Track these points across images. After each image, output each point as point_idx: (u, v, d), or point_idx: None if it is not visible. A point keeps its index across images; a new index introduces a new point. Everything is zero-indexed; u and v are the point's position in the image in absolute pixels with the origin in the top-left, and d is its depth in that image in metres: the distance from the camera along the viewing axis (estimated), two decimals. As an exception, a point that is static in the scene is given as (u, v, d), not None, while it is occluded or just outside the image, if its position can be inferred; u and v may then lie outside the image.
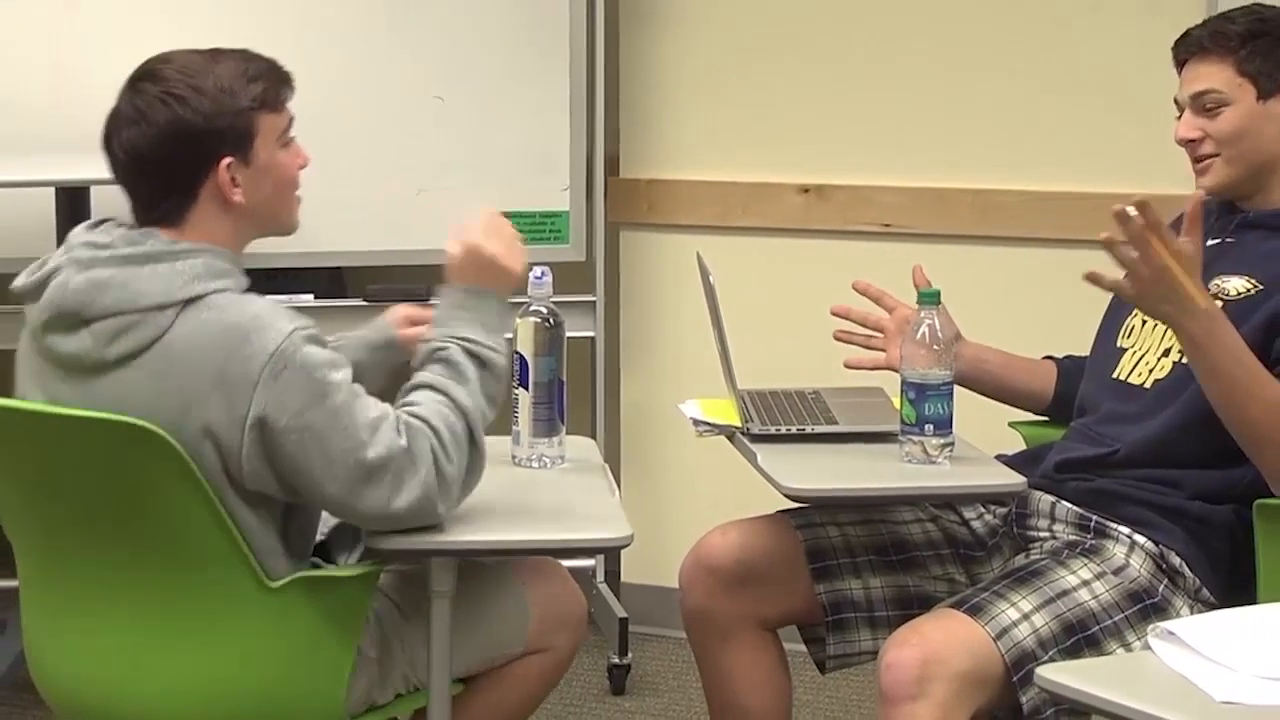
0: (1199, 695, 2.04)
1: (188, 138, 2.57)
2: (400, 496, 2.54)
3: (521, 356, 2.85)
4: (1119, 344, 3.02)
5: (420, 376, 2.64)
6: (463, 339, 2.65)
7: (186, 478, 2.51)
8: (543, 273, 2.87)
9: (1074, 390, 3.14)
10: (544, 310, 2.86)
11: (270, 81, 2.64)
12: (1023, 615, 2.70)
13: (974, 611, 2.69)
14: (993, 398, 3.21)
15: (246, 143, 2.60)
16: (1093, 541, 2.87)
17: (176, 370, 2.50)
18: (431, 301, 2.75)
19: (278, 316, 2.53)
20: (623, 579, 4.66)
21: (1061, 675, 2.14)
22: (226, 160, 2.59)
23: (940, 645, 2.64)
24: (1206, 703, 2.02)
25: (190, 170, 2.59)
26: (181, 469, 2.50)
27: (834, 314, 3.19)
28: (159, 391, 2.50)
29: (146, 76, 2.61)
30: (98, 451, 2.54)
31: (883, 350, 3.17)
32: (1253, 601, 2.76)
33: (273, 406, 2.48)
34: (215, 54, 2.64)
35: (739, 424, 2.99)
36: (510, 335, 2.81)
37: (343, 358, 2.58)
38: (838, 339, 3.20)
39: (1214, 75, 2.90)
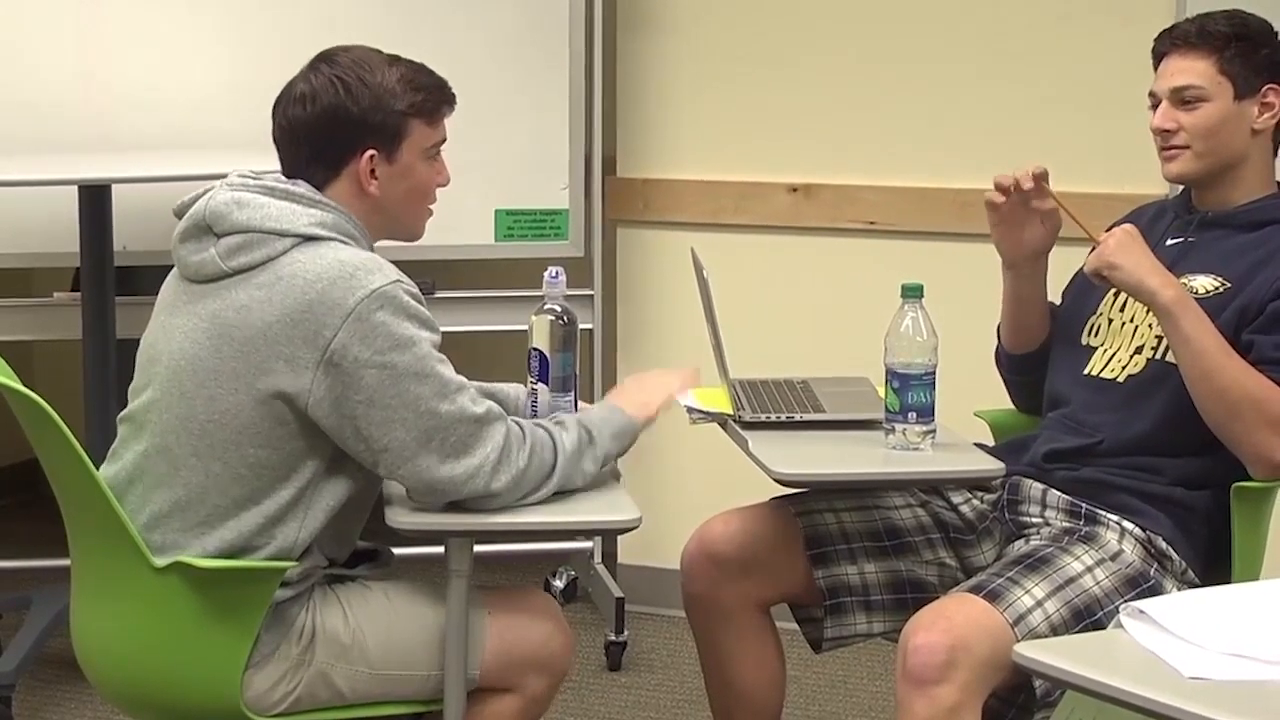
0: (1169, 671, 2.05)
1: (342, 121, 2.69)
2: (458, 462, 2.60)
3: (540, 352, 2.91)
4: (1085, 343, 3.06)
5: (534, 420, 2.75)
6: (584, 424, 2.76)
7: (69, 449, 2.58)
8: (557, 273, 2.93)
9: (1048, 349, 3.16)
10: (558, 309, 2.91)
11: (431, 95, 2.74)
12: (1036, 602, 2.74)
13: (992, 597, 2.72)
14: (1021, 303, 3.16)
15: (394, 142, 2.71)
16: (1087, 529, 2.91)
17: (281, 288, 2.60)
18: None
19: (387, 267, 2.63)
20: (619, 560, 4.68)
21: (1039, 652, 2.15)
22: (370, 152, 2.69)
23: (965, 631, 2.67)
24: (1176, 678, 2.03)
25: (337, 150, 2.70)
26: (63, 441, 2.58)
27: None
28: (268, 306, 2.60)
29: (326, 59, 2.73)
30: (24, 423, 2.63)
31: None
32: (1228, 580, 2.85)
33: (359, 337, 2.56)
34: (394, 59, 2.75)
35: (731, 412, 3.02)
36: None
37: (436, 323, 2.65)
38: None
39: (1197, 70, 2.94)
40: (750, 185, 4.53)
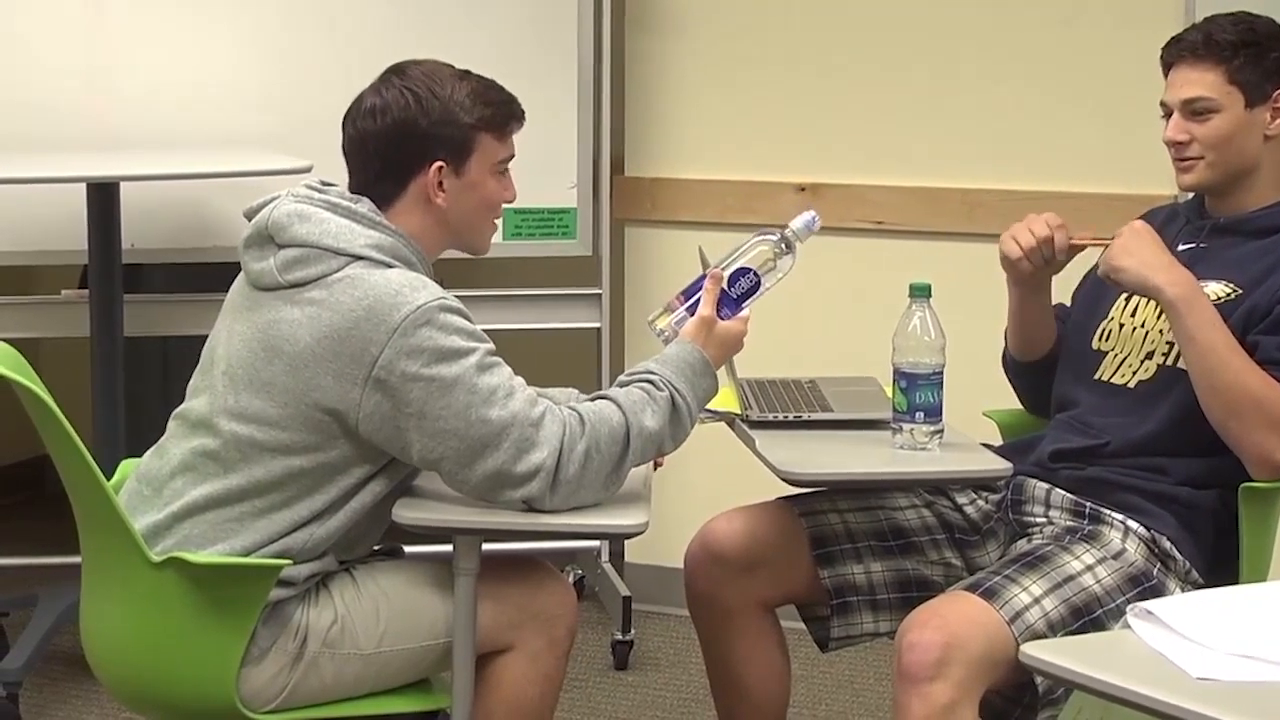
0: (1176, 672, 2.05)
1: (412, 133, 2.70)
2: (517, 464, 2.59)
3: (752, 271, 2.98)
4: (1096, 347, 3.06)
5: (613, 391, 2.72)
6: (676, 388, 2.73)
7: (68, 440, 2.58)
8: (814, 219, 2.99)
9: (1055, 356, 3.15)
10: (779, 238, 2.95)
11: (500, 110, 2.76)
12: (1034, 599, 2.73)
13: (989, 595, 2.72)
14: (1027, 314, 3.16)
15: (463, 155, 2.73)
16: (1090, 527, 2.91)
17: (330, 305, 2.62)
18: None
19: (433, 286, 2.65)
20: (626, 559, 4.69)
21: (1046, 653, 2.14)
22: (438, 164, 2.71)
23: (959, 628, 2.67)
24: (1183, 679, 2.03)
25: (406, 163, 2.72)
26: (62, 433, 2.58)
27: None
28: (316, 323, 2.61)
29: (396, 72, 2.74)
30: (32, 417, 2.62)
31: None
32: (1234, 581, 2.84)
33: (404, 353, 2.58)
34: (464, 73, 2.76)
35: (739, 411, 3.04)
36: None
37: (485, 336, 2.66)
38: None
39: (1206, 81, 2.93)
40: (757, 185, 4.53)
